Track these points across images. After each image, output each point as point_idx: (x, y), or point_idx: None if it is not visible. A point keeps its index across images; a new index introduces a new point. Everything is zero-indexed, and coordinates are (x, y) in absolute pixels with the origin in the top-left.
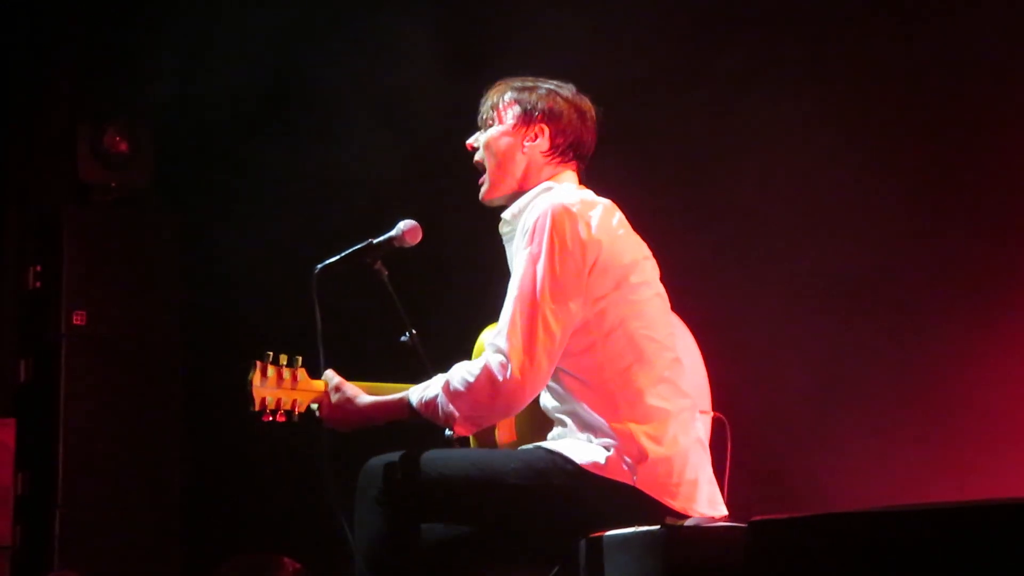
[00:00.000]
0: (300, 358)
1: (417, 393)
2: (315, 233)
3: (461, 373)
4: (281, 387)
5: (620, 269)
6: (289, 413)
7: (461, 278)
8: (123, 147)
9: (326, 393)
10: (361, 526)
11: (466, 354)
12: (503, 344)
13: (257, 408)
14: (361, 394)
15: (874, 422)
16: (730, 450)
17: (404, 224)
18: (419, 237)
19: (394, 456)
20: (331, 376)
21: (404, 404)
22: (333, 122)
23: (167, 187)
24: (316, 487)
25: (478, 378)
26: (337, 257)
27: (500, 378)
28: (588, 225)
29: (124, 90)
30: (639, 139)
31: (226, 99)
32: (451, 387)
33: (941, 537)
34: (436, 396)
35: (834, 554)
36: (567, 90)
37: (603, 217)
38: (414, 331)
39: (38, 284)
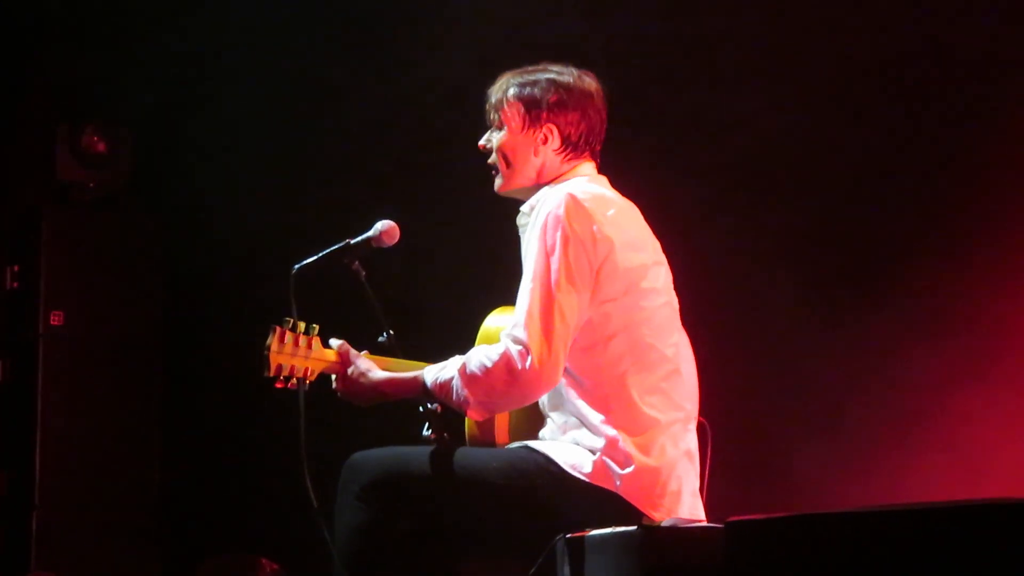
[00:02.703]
0: (317, 326)
1: (432, 373)
2: (294, 233)
3: (479, 357)
4: (296, 354)
5: (630, 272)
6: (301, 381)
7: (440, 279)
8: (102, 147)
9: (338, 364)
10: (341, 520)
11: (442, 355)
12: (521, 334)
13: (272, 374)
14: (375, 368)
15: (854, 425)
16: (710, 455)
17: (381, 224)
18: (397, 237)
19: (378, 452)
20: (344, 347)
21: (418, 383)
22: (311, 120)
23: (146, 187)
24: (296, 487)
25: (496, 364)
26: (315, 257)
27: (519, 366)
28: (601, 222)
29: (103, 90)
30: (636, 143)
31: (205, 99)
32: (468, 370)
33: (916, 538)
34: (452, 378)
35: (811, 555)
36: (568, 75)
37: (617, 217)
38: (391, 331)
39: (15, 284)
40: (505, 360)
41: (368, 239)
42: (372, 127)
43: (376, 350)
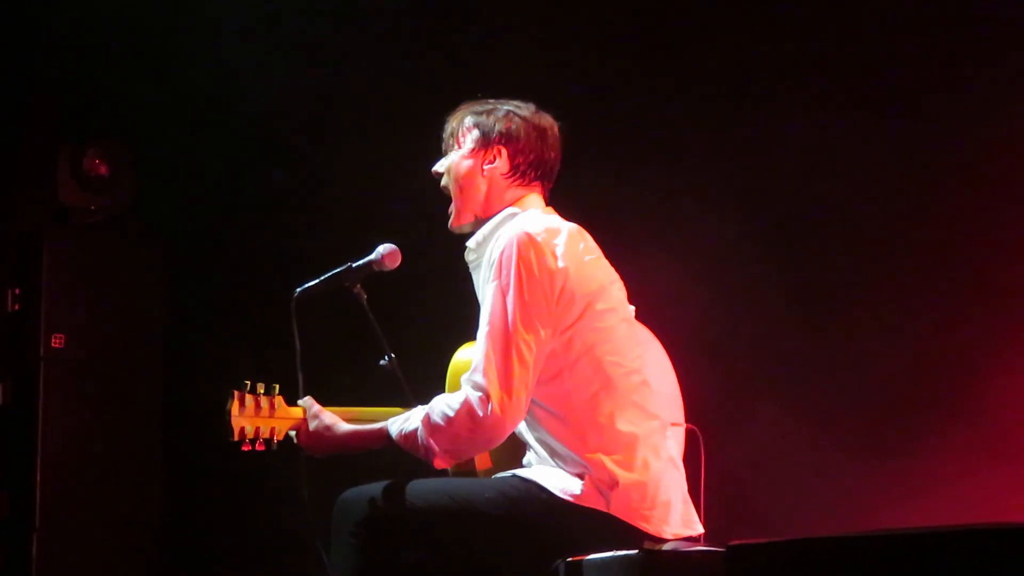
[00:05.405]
0: (277, 386)
1: (396, 425)
2: (295, 255)
3: (441, 407)
4: (259, 415)
5: (586, 297)
6: (268, 441)
7: (439, 301)
8: (103, 170)
9: (304, 420)
10: (338, 560)
11: (418, 387)
12: (480, 380)
13: (236, 438)
14: (338, 422)
15: (855, 441)
16: (704, 461)
17: (383, 248)
18: (398, 261)
19: (368, 488)
20: (309, 403)
21: (383, 435)
22: (314, 145)
23: (147, 210)
24: (296, 512)
25: (458, 413)
26: (316, 281)
27: (480, 413)
28: (554, 254)
29: (104, 112)
30: (611, 150)
31: (207, 121)
32: (431, 421)
33: (919, 563)
34: (416, 429)
35: None
36: (526, 109)
37: (568, 244)
38: (393, 355)
39: (16, 307)
40: (466, 408)
41: (370, 262)
42: (377, 149)
43: (377, 373)
